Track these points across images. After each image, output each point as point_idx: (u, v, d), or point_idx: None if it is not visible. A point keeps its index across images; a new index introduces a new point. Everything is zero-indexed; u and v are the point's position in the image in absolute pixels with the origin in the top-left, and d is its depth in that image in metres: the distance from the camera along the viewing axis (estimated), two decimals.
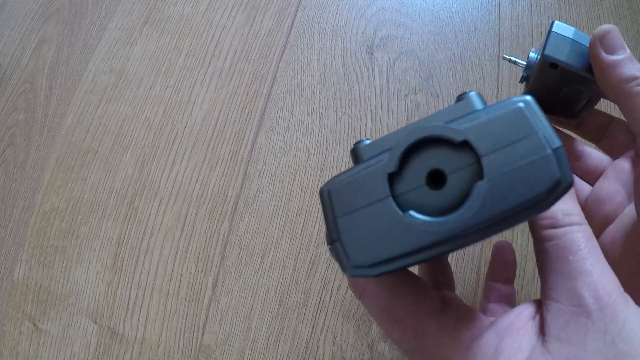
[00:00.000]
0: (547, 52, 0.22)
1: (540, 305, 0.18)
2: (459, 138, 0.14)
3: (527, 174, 0.13)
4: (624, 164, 0.24)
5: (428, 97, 0.52)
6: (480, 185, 0.13)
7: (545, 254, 0.17)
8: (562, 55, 0.22)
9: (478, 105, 0.15)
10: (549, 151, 0.13)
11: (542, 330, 0.17)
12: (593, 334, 0.15)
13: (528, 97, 0.14)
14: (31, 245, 0.49)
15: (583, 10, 0.57)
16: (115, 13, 0.61)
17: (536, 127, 0.13)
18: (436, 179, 0.14)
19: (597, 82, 0.22)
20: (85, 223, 0.50)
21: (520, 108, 0.14)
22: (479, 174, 0.13)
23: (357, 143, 0.17)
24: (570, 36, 0.22)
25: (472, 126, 0.14)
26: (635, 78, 0.20)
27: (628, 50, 0.21)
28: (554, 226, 0.17)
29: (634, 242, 0.21)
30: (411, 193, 0.14)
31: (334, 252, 0.15)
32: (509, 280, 0.27)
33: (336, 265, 0.46)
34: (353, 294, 0.20)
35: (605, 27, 0.22)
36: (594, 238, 0.17)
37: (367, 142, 0.16)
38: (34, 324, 0.46)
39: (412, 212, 0.14)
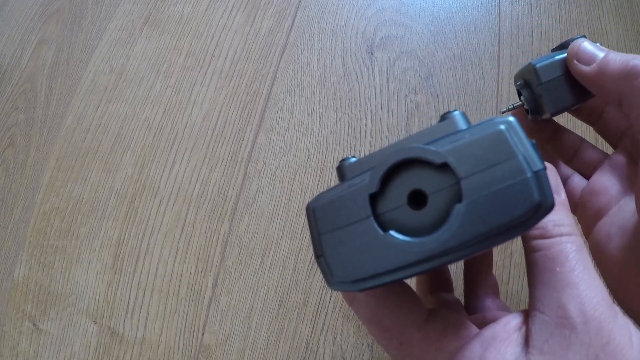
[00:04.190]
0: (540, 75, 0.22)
1: (526, 317, 0.18)
2: (439, 160, 0.14)
3: (506, 197, 0.13)
4: (620, 158, 0.24)
5: (428, 97, 0.52)
6: (459, 208, 0.13)
7: (534, 265, 0.17)
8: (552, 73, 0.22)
9: (461, 125, 0.15)
10: (529, 174, 0.13)
11: (527, 342, 0.16)
12: (576, 347, 0.15)
13: (511, 119, 0.14)
14: (31, 245, 0.49)
15: (583, 10, 0.57)
16: (115, 13, 0.61)
17: (517, 149, 0.13)
18: (417, 199, 0.14)
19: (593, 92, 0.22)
20: (85, 223, 0.50)
21: (501, 130, 0.13)
22: (459, 196, 0.13)
23: (342, 161, 0.17)
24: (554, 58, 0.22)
25: (452, 148, 0.14)
26: (632, 70, 0.19)
27: (602, 53, 0.21)
28: (543, 236, 0.17)
29: (631, 236, 0.21)
30: (392, 212, 0.14)
31: (320, 266, 0.16)
32: (489, 268, 0.27)
33: None
34: (348, 303, 0.20)
35: (575, 42, 0.22)
36: (584, 249, 0.17)
37: (352, 160, 0.17)
38: (34, 324, 0.46)
39: (392, 232, 0.14)
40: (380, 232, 0.14)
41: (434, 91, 0.53)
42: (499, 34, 0.56)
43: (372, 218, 0.14)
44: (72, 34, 0.61)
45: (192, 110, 0.54)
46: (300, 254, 0.47)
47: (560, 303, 0.16)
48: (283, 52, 0.56)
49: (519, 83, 0.25)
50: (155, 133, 0.53)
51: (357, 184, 0.14)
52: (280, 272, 0.46)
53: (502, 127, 0.13)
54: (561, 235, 0.17)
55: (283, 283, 0.46)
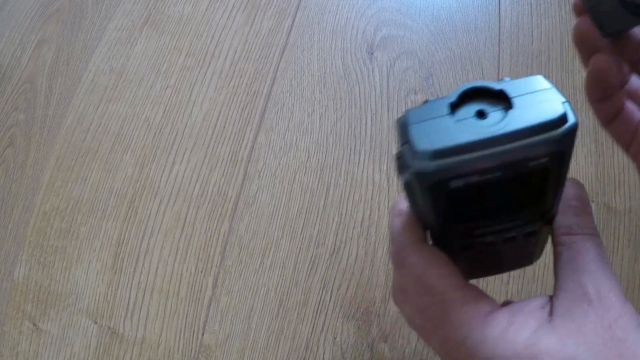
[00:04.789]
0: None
1: (550, 299, 0.21)
2: (497, 87, 0.18)
3: (545, 108, 0.18)
4: None
5: (428, 97, 0.52)
6: (512, 111, 0.18)
7: (560, 256, 0.21)
8: None
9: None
10: (563, 99, 0.18)
11: (550, 315, 0.20)
12: (592, 316, 0.18)
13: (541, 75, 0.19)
14: (31, 245, 0.49)
15: None
16: (115, 13, 0.61)
17: (552, 85, 0.18)
18: (481, 114, 0.18)
19: None
20: (85, 223, 0.50)
21: (539, 75, 0.19)
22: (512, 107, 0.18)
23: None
24: None
25: (506, 83, 0.19)
26: None
27: None
28: (569, 234, 0.21)
29: None
30: (464, 119, 0.19)
31: (402, 157, 0.19)
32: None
33: (336, 265, 0.46)
34: (393, 266, 0.24)
35: None
36: (602, 248, 0.21)
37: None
38: (34, 324, 0.46)
39: (466, 117, 0.18)
40: (456, 119, 0.18)
41: (434, 91, 0.53)
42: (499, 34, 0.56)
43: (450, 114, 0.18)
44: (72, 34, 0.61)
45: (192, 110, 0.54)
46: (300, 254, 0.47)
47: (580, 283, 0.19)
48: (283, 52, 0.56)
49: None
50: (155, 133, 0.53)
51: (440, 100, 0.19)
52: (280, 272, 0.46)
53: (540, 75, 0.19)
54: (583, 234, 0.21)
55: (283, 283, 0.46)
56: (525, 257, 0.26)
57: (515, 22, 0.56)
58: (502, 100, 0.18)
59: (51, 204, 0.51)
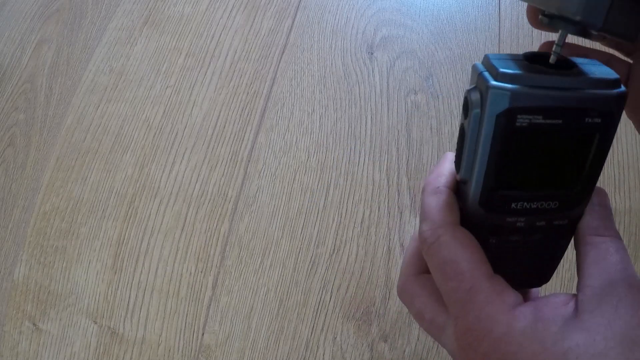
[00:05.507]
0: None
1: (573, 297, 0.21)
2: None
3: (603, 71, 0.20)
4: None
5: (428, 97, 0.52)
6: (576, 69, 0.20)
7: (587, 255, 0.21)
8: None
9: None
10: (616, 74, 0.20)
11: (576, 309, 0.20)
12: (623, 313, 0.18)
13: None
14: (31, 245, 0.49)
15: None
16: (115, 13, 0.61)
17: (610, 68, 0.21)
18: (551, 65, 0.21)
19: None
20: (85, 223, 0.50)
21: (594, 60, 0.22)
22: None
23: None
24: None
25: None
26: None
27: None
28: (597, 234, 0.22)
29: None
30: (538, 65, 0.21)
31: (476, 87, 0.20)
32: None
33: (336, 265, 0.46)
34: (420, 246, 0.23)
35: None
36: (627, 251, 0.22)
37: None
38: (34, 324, 0.46)
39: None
40: (531, 63, 0.20)
41: (434, 91, 0.53)
42: (499, 34, 0.56)
43: (526, 60, 0.20)
44: (72, 34, 0.61)
45: (192, 110, 0.54)
46: (300, 254, 0.47)
47: (610, 280, 0.20)
48: (283, 52, 0.56)
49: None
50: (155, 133, 0.53)
51: (515, 54, 0.21)
52: (280, 272, 0.46)
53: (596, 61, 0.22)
54: (611, 236, 0.21)
55: (283, 283, 0.46)
56: (540, 269, 0.26)
57: (515, 22, 0.56)
58: (568, 63, 0.21)
59: (51, 204, 0.51)
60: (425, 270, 0.25)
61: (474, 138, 0.20)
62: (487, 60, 0.20)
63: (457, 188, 0.23)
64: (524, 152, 0.20)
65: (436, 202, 0.23)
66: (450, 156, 0.24)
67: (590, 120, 0.19)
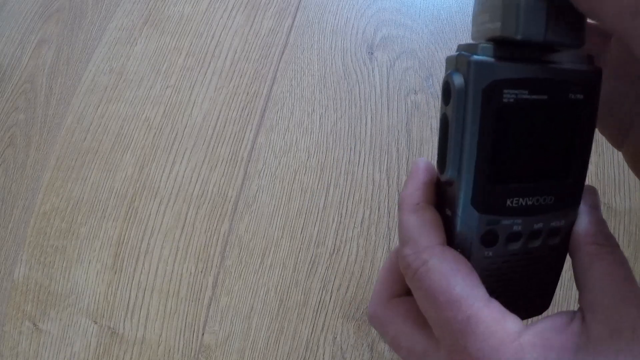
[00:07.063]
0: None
1: (574, 314, 0.19)
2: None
3: (580, 52, 0.20)
4: None
5: (428, 97, 0.52)
6: (558, 51, 0.20)
7: (592, 267, 0.20)
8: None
9: None
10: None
11: (586, 334, 0.18)
12: None
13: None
14: (31, 245, 0.49)
15: None
16: (115, 13, 0.61)
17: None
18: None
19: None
20: (85, 223, 0.50)
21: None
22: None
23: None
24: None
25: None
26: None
27: None
28: (597, 243, 0.20)
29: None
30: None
31: (457, 67, 0.19)
32: None
33: (336, 265, 0.46)
34: (403, 272, 0.21)
35: None
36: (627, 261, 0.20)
37: None
38: (34, 324, 0.46)
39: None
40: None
41: (434, 91, 0.53)
42: None
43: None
44: (72, 34, 0.61)
45: (192, 110, 0.54)
46: (300, 254, 0.47)
47: (622, 298, 0.18)
48: (283, 52, 0.56)
49: None
50: (155, 133, 0.53)
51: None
52: (280, 272, 0.46)
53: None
54: (612, 246, 0.20)
55: (283, 283, 0.46)
56: (540, 288, 0.24)
57: None
58: (548, 48, 0.20)
59: (51, 204, 0.51)
60: (399, 294, 0.23)
61: (459, 124, 0.19)
62: (461, 46, 0.20)
63: (441, 195, 0.21)
64: (513, 135, 0.19)
65: (417, 221, 0.20)
66: (422, 163, 0.22)
67: (573, 96, 0.19)
